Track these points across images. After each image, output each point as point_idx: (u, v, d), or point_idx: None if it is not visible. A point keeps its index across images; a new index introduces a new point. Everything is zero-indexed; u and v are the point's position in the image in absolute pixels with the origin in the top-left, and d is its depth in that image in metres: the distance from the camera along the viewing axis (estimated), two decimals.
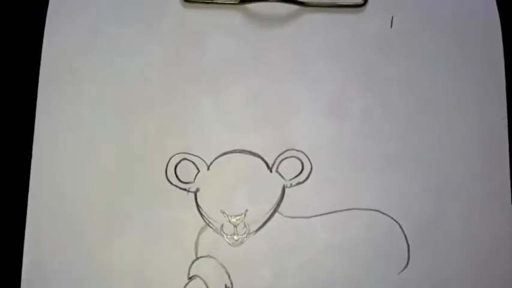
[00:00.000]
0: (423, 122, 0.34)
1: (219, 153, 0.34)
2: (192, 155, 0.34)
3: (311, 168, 0.34)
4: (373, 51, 0.35)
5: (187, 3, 0.35)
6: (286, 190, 0.34)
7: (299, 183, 0.34)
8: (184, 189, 0.34)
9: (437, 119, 0.34)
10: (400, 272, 0.33)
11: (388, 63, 0.35)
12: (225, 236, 0.33)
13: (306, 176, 0.34)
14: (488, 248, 0.33)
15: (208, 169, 0.34)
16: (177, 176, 0.34)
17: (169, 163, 0.34)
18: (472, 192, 0.34)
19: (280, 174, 0.34)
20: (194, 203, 0.34)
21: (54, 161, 0.34)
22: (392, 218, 0.33)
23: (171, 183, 0.34)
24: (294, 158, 0.34)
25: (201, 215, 0.33)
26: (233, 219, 0.33)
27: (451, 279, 0.33)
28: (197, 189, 0.34)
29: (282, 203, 0.33)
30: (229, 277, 0.33)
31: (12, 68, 0.36)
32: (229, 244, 0.33)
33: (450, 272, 0.33)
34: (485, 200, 0.34)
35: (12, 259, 0.33)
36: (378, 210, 0.33)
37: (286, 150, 0.34)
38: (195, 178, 0.34)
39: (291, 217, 0.33)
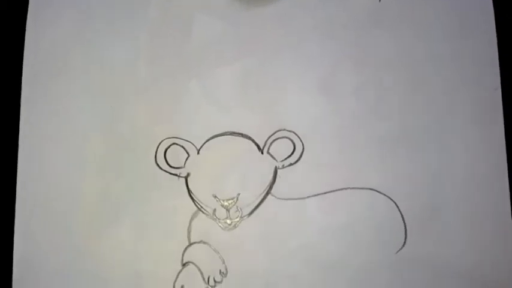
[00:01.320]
0: (418, 101, 0.34)
1: (208, 137, 0.33)
2: (182, 139, 0.33)
3: (303, 148, 0.33)
4: (365, 27, 0.34)
5: None
6: (279, 171, 0.33)
7: (291, 164, 0.33)
8: (175, 175, 0.33)
9: (432, 96, 0.34)
10: (398, 251, 0.32)
11: (380, 39, 0.34)
12: (217, 220, 0.32)
13: (298, 156, 0.33)
14: (487, 228, 0.32)
15: (198, 153, 0.33)
16: (166, 161, 0.33)
17: (159, 148, 0.33)
18: (469, 172, 0.33)
19: (271, 155, 0.33)
20: (185, 188, 0.33)
21: (41, 152, 0.33)
22: (388, 197, 0.32)
23: (161, 168, 0.33)
24: (286, 139, 0.33)
25: (193, 200, 0.33)
26: (225, 203, 0.32)
27: (449, 259, 0.32)
28: (188, 174, 0.33)
29: (275, 185, 0.33)
30: (223, 262, 0.32)
31: None
32: (222, 229, 0.32)
33: (448, 252, 0.32)
34: (483, 178, 0.33)
35: (2, 251, 0.33)
36: (373, 189, 0.33)
37: (277, 131, 0.33)
38: (185, 163, 0.33)
39: (284, 199, 0.33)
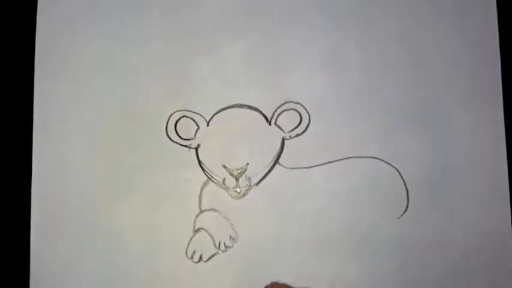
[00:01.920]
0: (420, 75, 0.35)
1: (218, 109, 0.34)
2: (192, 112, 0.34)
3: (309, 119, 0.34)
4: (370, 3, 0.35)
5: None
6: (286, 142, 0.34)
7: (298, 134, 0.34)
8: (186, 146, 0.34)
9: (434, 71, 0.35)
10: (400, 216, 0.33)
11: (385, 15, 0.35)
12: (227, 189, 0.34)
13: (304, 127, 0.34)
14: (485, 196, 0.34)
15: (208, 125, 0.34)
16: (177, 133, 0.34)
17: (170, 121, 0.34)
18: (469, 142, 0.34)
19: (279, 126, 0.34)
20: (196, 158, 0.34)
21: (57, 128, 0.34)
22: (391, 165, 0.34)
23: (172, 140, 0.34)
24: (293, 111, 0.34)
25: (203, 170, 0.34)
26: (235, 173, 0.34)
27: (451, 224, 0.34)
28: (198, 145, 0.34)
29: (282, 155, 0.34)
30: (233, 228, 0.33)
31: (10, 36, 0.36)
32: (232, 197, 0.34)
33: (450, 217, 0.34)
34: (482, 147, 0.34)
35: (20, 220, 0.34)
36: (376, 158, 0.34)
37: (284, 103, 0.34)
38: (195, 134, 0.34)
39: (292, 168, 0.34)
